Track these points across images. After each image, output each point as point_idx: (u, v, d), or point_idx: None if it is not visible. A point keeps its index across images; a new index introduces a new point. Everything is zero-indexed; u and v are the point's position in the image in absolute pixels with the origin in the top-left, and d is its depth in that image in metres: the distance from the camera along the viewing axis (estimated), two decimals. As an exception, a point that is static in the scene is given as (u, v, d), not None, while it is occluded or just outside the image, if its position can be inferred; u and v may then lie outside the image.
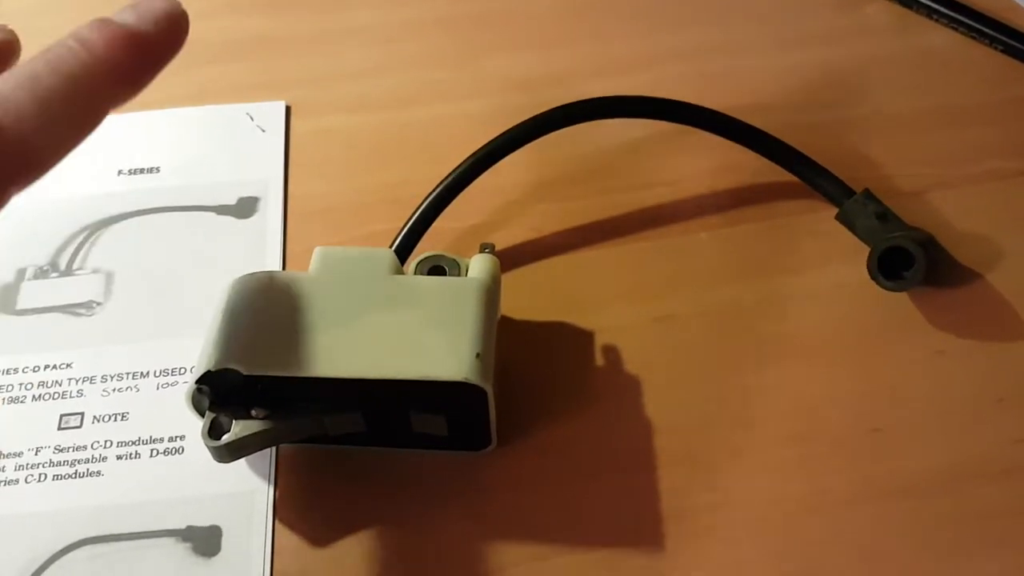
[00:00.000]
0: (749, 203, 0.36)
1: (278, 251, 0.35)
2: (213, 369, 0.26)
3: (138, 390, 0.31)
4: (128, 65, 0.19)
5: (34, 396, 0.31)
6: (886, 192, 0.34)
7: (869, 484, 0.29)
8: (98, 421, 0.31)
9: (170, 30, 0.20)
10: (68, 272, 0.34)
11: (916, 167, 0.37)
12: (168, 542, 0.28)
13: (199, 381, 0.27)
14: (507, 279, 0.31)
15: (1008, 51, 0.41)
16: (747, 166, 0.36)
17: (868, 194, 0.34)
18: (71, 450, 0.30)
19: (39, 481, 0.29)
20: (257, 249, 0.35)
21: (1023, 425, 0.30)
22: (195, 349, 0.28)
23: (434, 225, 0.32)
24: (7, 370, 0.32)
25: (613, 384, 0.31)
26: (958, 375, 0.31)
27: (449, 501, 0.29)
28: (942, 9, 0.42)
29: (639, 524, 0.28)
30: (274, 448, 0.30)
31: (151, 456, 0.30)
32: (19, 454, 0.30)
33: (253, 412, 0.27)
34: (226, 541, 0.28)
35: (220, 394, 0.27)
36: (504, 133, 0.33)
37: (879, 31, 0.42)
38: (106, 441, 0.30)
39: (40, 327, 0.33)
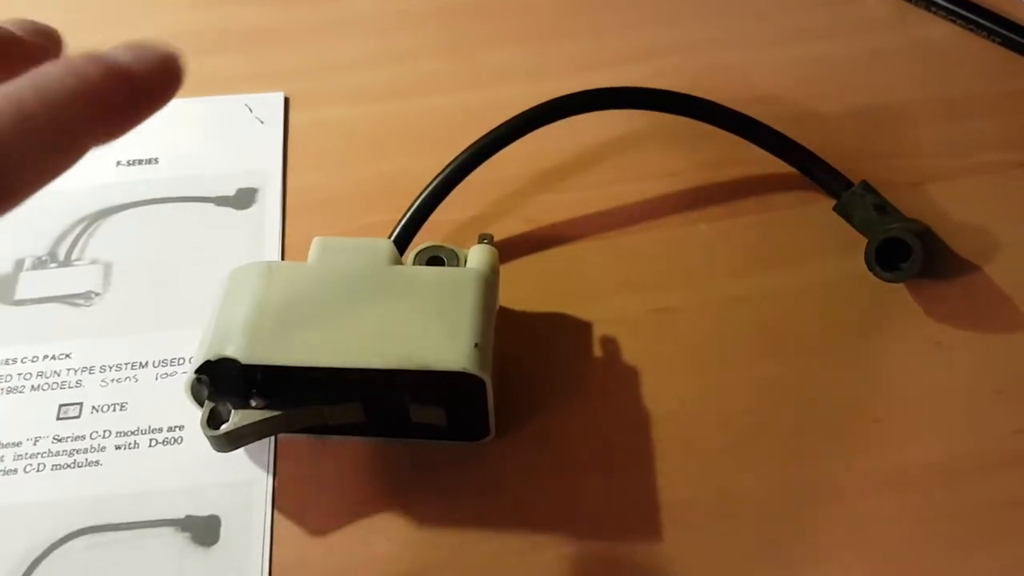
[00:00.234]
0: (747, 195, 0.36)
1: (277, 242, 0.35)
2: (212, 359, 0.26)
3: (137, 380, 0.31)
4: (117, 102, 0.18)
5: (33, 386, 0.31)
6: (884, 184, 0.34)
7: (866, 477, 0.29)
8: (97, 411, 0.31)
9: (164, 75, 0.19)
10: (67, 263, 0.34)
11: (914, 159, 0.37)
12: (167, 532, 0.28)
13: (198, 371, 0.27)
14: (505, 270, 0.31)
15: (1006, 43, 0.41)
16: (745, 158, 0.36)
17: (866, 186, 0.34)
18: (70, 440, 0.30)
19: (38, 471, 0.29)
20: (256, 240, 0.35)
21: (1022, 416, 0.30)
22: (194, 339, 0.28)
23: (433, 216, 0.32)
24: (6, 360, 0.32)
25: (611, 375, 0.31)
26: (956, 366, 0.31)
27: (447, 491, 0.29)
28: (940, 1, 0.42)
29: (637, 516, 0.28)
30: (273, 438, 0.30)
31: (150, 446, 0.30)
32: (18, 444, 0.30)
33: (252, 402, 0.27)
34: (225, 531, 0.28)
35: (219, 384, 0.27)
36: (503, 124, 0.33)
37: (878, 23, 0.42)
38: (105, 431, 0.30)
39: (39, 317, 0.33)
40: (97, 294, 0.33)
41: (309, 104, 0.39)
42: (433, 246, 0.30)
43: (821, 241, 0.34)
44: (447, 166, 0.33)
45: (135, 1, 0.43)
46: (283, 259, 0.34)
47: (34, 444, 0.30)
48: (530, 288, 0.33)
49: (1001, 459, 0.29)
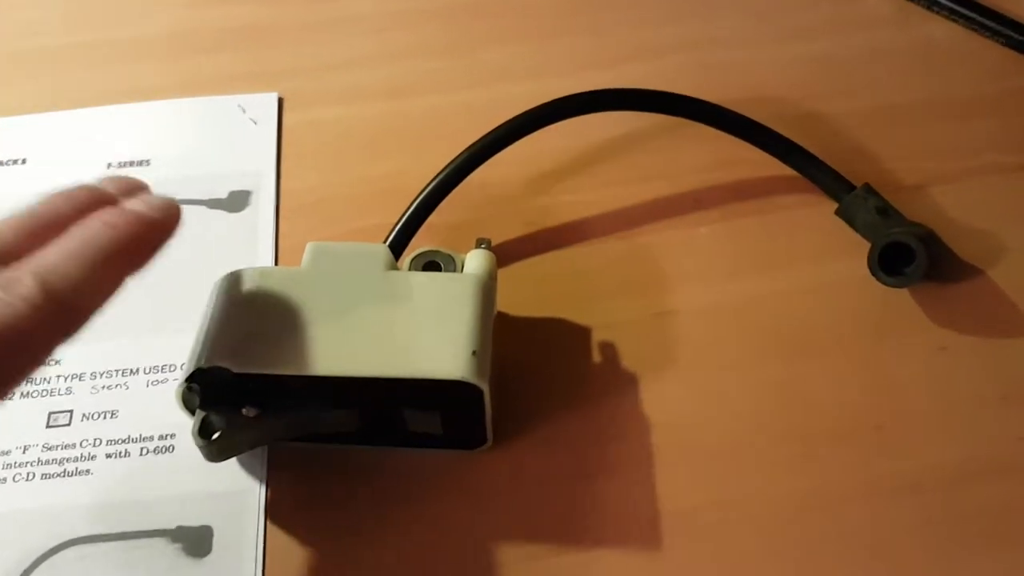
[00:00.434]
0: (748, 198, 0.35)
1: (270, 246, 0.34)
2: (203, 367, 0.26)
3: (128, 387, 0.31)
4: (141, 240, 0.24)
5: (22, 393, 0.31)
6: (886, 186, 0.34)
7: (871, 482, 0.29)
8: (87, 419, 0.30)
9: (169, 216, 0.25)
10: (56, 267, 0.33)
11: (916, 161, 0.36)
12: (158, 542, 0.28)
13: (189, 379, 0.26)
14: (503, 275, 0.31)
15: (1009, 43, 0.40)
16: (746, 160, 0.35)
17: (868, 188, 0.34)
18: (60, 448, 0.29)
19: (27, 480, 0.29)
20: (249, 244, 0.34)
21: (1026, 422, 0.30)
22: (186, 346, 0.27)
23: (429, 219, 0.32)
24: (-6, 367, 0.31)
25: (611, 380, 0.31)
26: (960, 372, 0.31)
27: (444, 500, 0.28)
28: (942, 1, 0.41)
29: (637, 522, 0.28)
30: (266, 447, 0.29)
31: (141, 455, 0.29)
32: (7, 452, 0.29)
33: (244, 410, 0.27)
34: (217, 541, 0.28)
35: (211, 392, 0.27)
36: (501, 126, 0.33)
37: (879, 23, 0.42)
38: (95, 439, 0.30)
39: (28, 323, 0.32)
40: (87, 299, 0.33)
41: (303, 104, 0.39)
42: (430, 251, 0.30)
43: (823, 245, 0.34)
44: (444, 168, 0.33)
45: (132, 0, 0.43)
46: (277, 263, 0.34)
47: (23, 452, 0.29)
48: (528, 293, 0.33)
49: (1006, 465, 0.29)
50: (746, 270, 0.34)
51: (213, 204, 0.35)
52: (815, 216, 0.35)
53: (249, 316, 0.27)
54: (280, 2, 0.43)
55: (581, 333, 0.32)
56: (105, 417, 0.30)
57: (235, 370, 0.26)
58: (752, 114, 0.35)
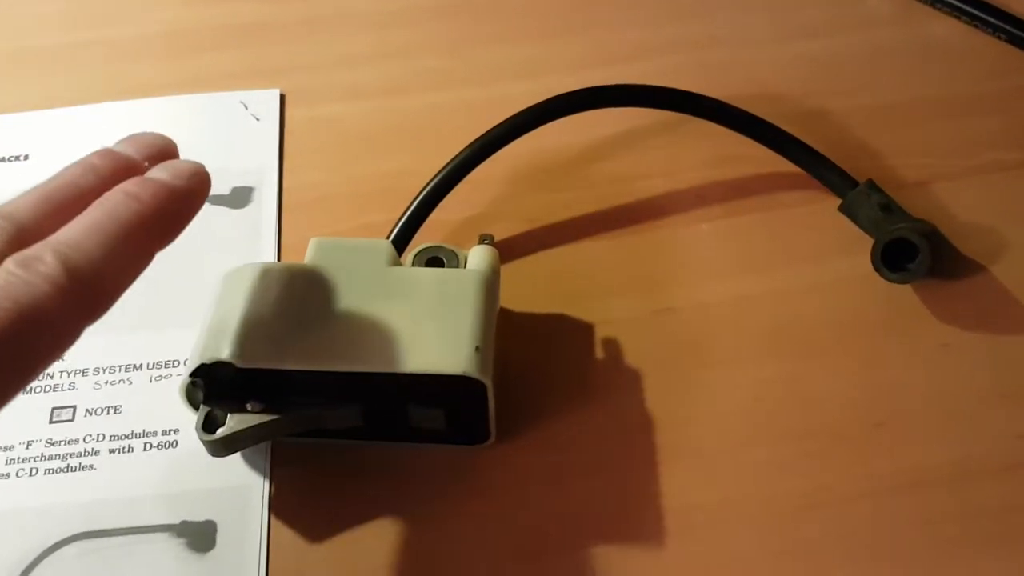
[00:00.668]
0: (751, 194, 0.35)
1: (273, 242, 0.34)
2: (207, 362, 0.26)
3: (131, 383, 0.31)
4: (168, 212, 0.23)
5: (25, 389, 0.30)
6: (889, 183, 0.34)
7: (872, 479, 0.29)
8: (90, 414, 0.30)
9: (198, 184, 0.24)
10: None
11: (919, 157, 0.36)
12: (162, 537, 0.28)
13: (193, 374, 0.26)
14: (506, 270, 0.31)
15: (1012, 40, 0.40)
16: (749, 156, 0.35)
17: (871, 185, 0.34)
18: (63, 444, 0.29)
19: (30, 475, 0.29)
20: (252, 240, 0.34)
21: (1029, 420, 0.30)
22: (189, 341, 0.27)
23: (432, 215, 0.32)
24: (-3, 362, 0.31)
25: (613, 377, 0.31)
26: (963, 369, 0.31)
27: (447, 496, 0.28)
28: (945, -3, 0.41)
29: (639, 520, 0.28)
30: (269, 442, 0.29)
31: (144, 450, 0.29)
32: (10, 448, 0.29)
33: (248, 405, 0.27)
34: (221, 536, 0.28)
35: (214, 387, 0.27)
36: (504, 123, 0.33)
37: (882, 20, 0.42)
38: (98, 435, 0.30)
39: (31, 319, 0.32)
40: (90, 295, 0.33)
41: (306, 101, 0.39)
42: (433, 246, 0.30)
43: (826, 241, 0.34)
44: (447, 164, 0.33)
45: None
46: (279, 259, 0.34)
47: (27, 448, 0.29)
48: (531, 289, 0.33)
49: (1007, 463, 0.29)
50: (749, 266, 0.34)
51: (216, 200, 0.35)
52: (818, 213, 0.35)
53: (253, 311, 0.27)
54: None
55: (583, 329, 0.32)
56: (108, 412, 0.30)
57: (239, 365, 0.26)
58: (755, 111, 0.34)
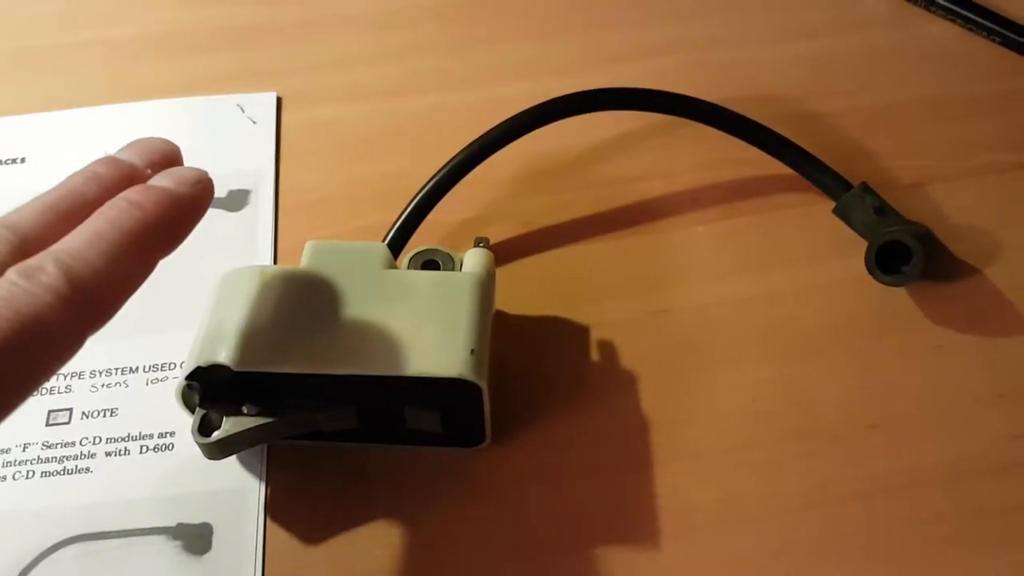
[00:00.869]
0: (746, 196, 0.36)
1: (269, 244, 0.34)
2: (203, 365, 0.26)
3: (127, 386, 0.31)
4: (171, 220, 0.23)
5: (27, 399, 0.30)
6: (883, 185, 0.34)
7: (867, 480, 0.29)
8: (87, 417, 0.30)
9: (202, 191, 0.24)
10: (56, 265, 0.33)
11: (914, 160, 0.36)
12: (158, 540, 0.28)
13: (189, 377, 0.26)
14: (502, 273, 0.31)
15: (1006, 43, 0.40)
16: (744, 159, 0.35)
17: (866, 187, 0.34)
18: (59, 446, 0.29)
19: (27, 478, 0.29)
20: (248, 243, 0.34)
21: (1022, 420, 0.30)
22: (185, 344, 0.27)
23: (428, 218, 0.32)
24: (-6, 365, 0.31)
25: (609, 379, 0.31)
26: (956, 370, 0.31)
27: (443, 498, 0.28)
28: (940, 0, 0.41)
29: (635, 521, 0.28)
30: (265, 445, 0.29)
31: (141, 453, 0.29)
32: (6, 451, 0.29)
33: (244, 408, 0.27)
34: (217, 539, 0.28)
35: (210, 390, 0.27)
36: (499, 125, 0.33)
37: (877, 23, 0.42)
38: (95, 437, 0.30)
39: (27, 321, 0.32)
40: (87, 297, 0.33)
41: (302, 104, 0.39)
42: (428, 249, 0.30)
43: (820, 243, 0.34)
44: (443, 167, 0.33)
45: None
46: (276, 262, 0.34)
47: (23, 451, 0.29)
48: (527, 291, 0.33)
49: (1001, 464, 0.29)
50: (744, 269, 0.34)
51: (212, 203, 0.35)
52: (812, 215, 0.35)
53: (249, 314, 0.27)
54: (279, 1, 0.43)
55: (579, 332, 0.32)
56: (105, 415, 0.30)
57: (235, 369, 0.26)
58: (750, 113, 0.35)
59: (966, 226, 0.34)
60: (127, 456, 0.29)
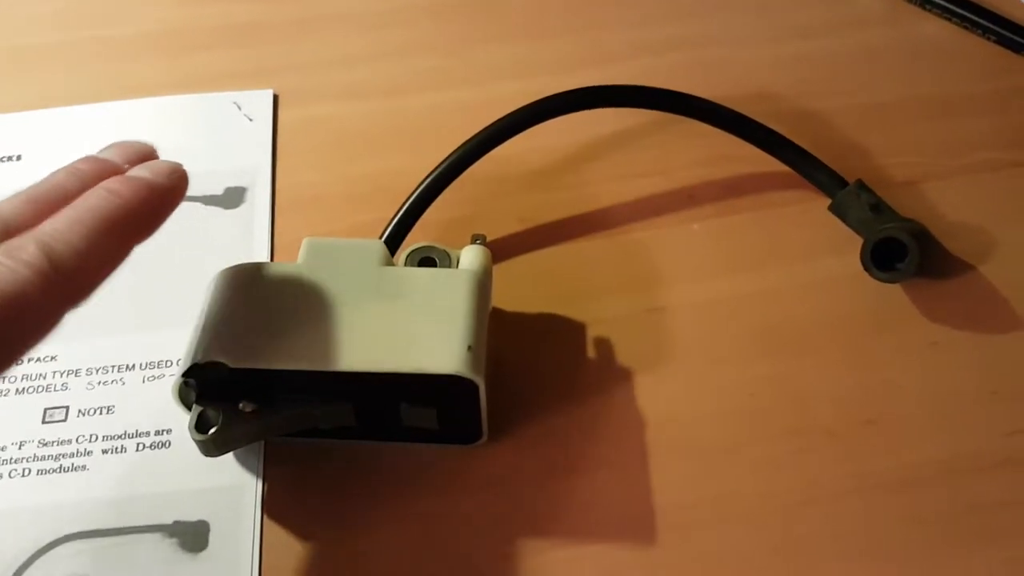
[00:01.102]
0: (742, 193, 0.36)
1: (266, 242, 0.34)
2: (200, 362, 0.26)
3: (124, 383, 0.31)
4: (147, 207, 0.24)
5: (18, 389, 0.31)
6: (879, 182, 0.34)
7: (863, 476, 0.29)
8: (83, 415, 0.30)
9: (177, 181, 0.25)
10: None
11: (909, 157, 0.37)
12: (155, 537, 0.28)
13: (186, 374, 0.26)
14: (498, 270, 0.31)
15: (1001, 41, 0.40)
16: (740, 156, 0.36)
17: (861, 185, 0.34)
18: (55, 444, 0.29)
19: (23, 476, 0.29)
20: (245, 240, 0.34)
21: (1017, 417, 0.30)
22: (182, 342, 0.27)
23: (424, 216, 0.32)
24: (-10, 363, 0.31)
25: (605, 376, 0.31)
26: (952, 367, 0.31)
27: (439, 495, 0.28)
28: (935, -1, 0.42)
29: (632, 518, 0.28)
30: (262, 442, 0.29)
31: (137, 450, 0.29)
32: (3, 448, 0.29)
33: (241, 405, 0.27)
34: (214, 536, 0.28)
35: (207, 387, 0.27)
36: (496, 123, 0.33)
37: (872, 21, 0.42)
38: (91, 435, 0.30)
39: (23, 319, 0.32)
40: (83, 295, 0.33)
41: (299, 101, 0.39)
42: (425, 246, 0.30)
43: (816, 240, 0.34)
44: (440, 164, 0.33)
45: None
46: (272, 259, 0.34)
47: (19, 448, 0.29)
48: (523, 288, 0.33)
49: (997, 460, 0.29)
50: (739, 266, 0.34)
51: (209, 201, 0.35)
52: (808, 212, 0.35)
53: (246, 312, 0.27)
54: (275, -1, 0.43)
55: (575, 329, 0.32)
56: (101, 413, 0.30)
57: (232, 365, 0.26)
58: (746, 111, 0.35)
59: (961, 223, 0.34)
60: (123, 454, 0.29)
